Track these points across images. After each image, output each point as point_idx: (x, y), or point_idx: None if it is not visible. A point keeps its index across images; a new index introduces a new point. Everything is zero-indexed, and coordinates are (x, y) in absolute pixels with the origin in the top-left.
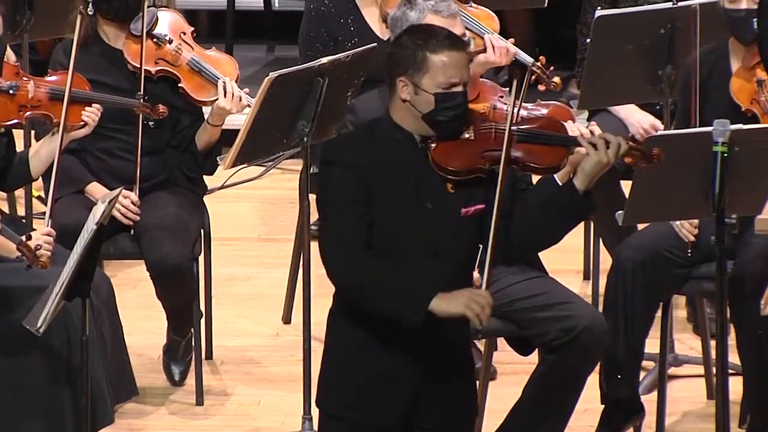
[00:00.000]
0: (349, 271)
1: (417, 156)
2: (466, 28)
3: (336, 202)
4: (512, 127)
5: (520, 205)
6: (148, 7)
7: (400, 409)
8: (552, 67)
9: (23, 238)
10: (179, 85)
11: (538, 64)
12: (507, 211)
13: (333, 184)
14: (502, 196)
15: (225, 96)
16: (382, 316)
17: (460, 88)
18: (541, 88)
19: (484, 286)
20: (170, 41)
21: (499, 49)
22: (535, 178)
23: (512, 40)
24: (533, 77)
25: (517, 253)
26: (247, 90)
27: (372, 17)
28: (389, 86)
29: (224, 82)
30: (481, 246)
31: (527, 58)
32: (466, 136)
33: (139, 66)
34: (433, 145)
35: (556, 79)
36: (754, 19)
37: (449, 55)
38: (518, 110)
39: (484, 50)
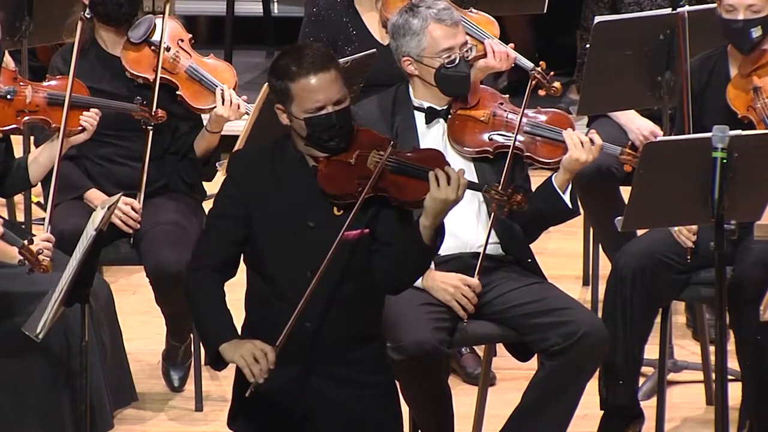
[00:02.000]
0: (187, 287)
1: (308, 175)
2: (467, 34)
3: (213, 214)
4: (388, 158)
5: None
6: (147, 13)
7: (298, 424)
8: (552, 73)
9: (25, 242)
10: (177, 92)
11: (538, 69)
12: (388, 240)
13: (218, 196)
14: (385, 228)
15: (223, 104)
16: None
17: (329, 109)
18: (542, 93)
19: (279, 341)
20: (168, 48)
21: (499, 54)
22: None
23: (512, 45)
24: (533, 82)
25: (387, 283)
26: (245, 97)
27: (372, 22)
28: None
29: (222, 90)
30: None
31: (527, 63)
32: (349, 160)
33: (137, 73)
34: (321, 166)
35: (557, 84)
36: (753, 29)
37: (309, 80)
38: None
39: (485, 55)
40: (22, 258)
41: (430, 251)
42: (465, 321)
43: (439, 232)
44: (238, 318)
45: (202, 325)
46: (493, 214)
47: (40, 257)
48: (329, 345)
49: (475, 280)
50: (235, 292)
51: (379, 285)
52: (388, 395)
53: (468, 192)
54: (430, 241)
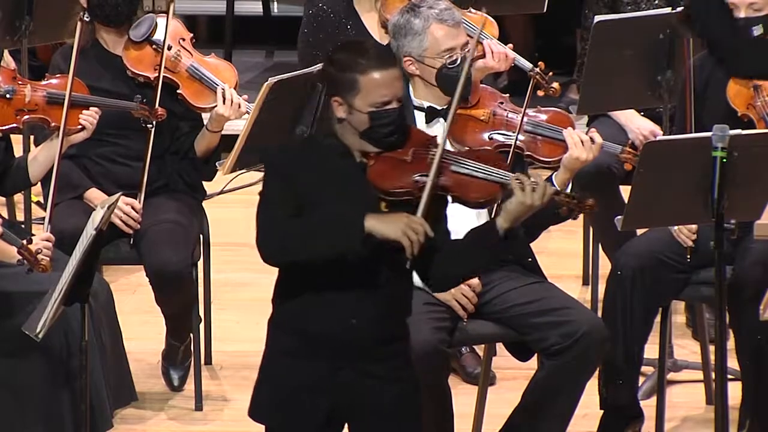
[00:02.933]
0: (282, 238)
1: (355, 170)
2: (467, 35)
3: (269, 207)
4: (449, 157)
5: (447, 235)
6: (147, 12)
7: (323, 418)
8: (551, 73)
9: (24, 241)
10: (178, 91)
11: (537, 69)
12: (438, 241)
13: (267, 190)
14: (435, 228)
15: (224, 103)
16: (323, 256)
17: (393, 105)
18: (540, 93)
19: (420, 212)
20: (169, 47)
21: (498, 54)
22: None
23: (511, 45)
24: (534, 82)
25: (439, 281)
26: (246, 97)
27: (371, 22)
28: (327, 103)
29: (223, 89)
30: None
31: (526, 64)
32: (404, 157)
33: (138, 72)
34: (371, 162)
35: (555, 85)
36: (754, 28)
37: (378, 74)
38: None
39: (484, 56)
40: (20, 258)
41: (502, 254)
42: (465, 320)
43: (513, 235)
44: (238, 317)
45: (329, 230)
46: (494, 212)
47: (39, 257)
48: (364, 341)
49: (474, 280)
50: (238, 292)
51: (429, 281)
52: (414, 392)
53: None
54: (504, 241)
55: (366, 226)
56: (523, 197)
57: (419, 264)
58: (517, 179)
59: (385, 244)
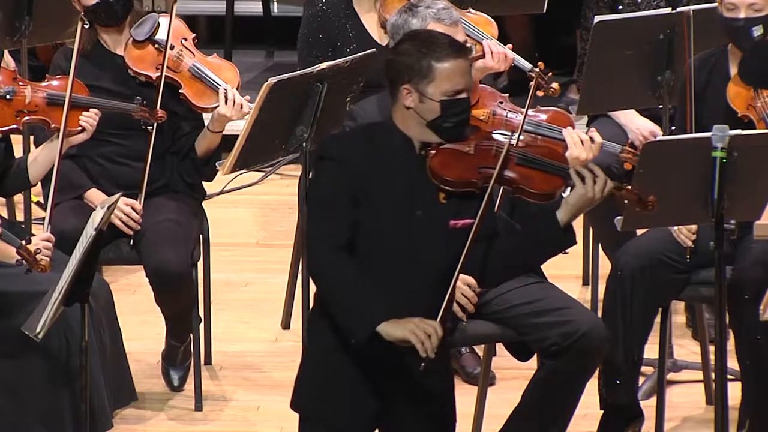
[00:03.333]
0: (320, 271)
1: (413, 162)
2: (466, 35)
3: (323, 196)
4: (513, 150)
5: (508, 228)
6: (149, 12)
7: (369, 413)
8: (550, 73)
9: (23, 242)
10: (180, 91)
11: (537, 69)
12: (492, 232)
13: (322, 179)
14: (488, 217)
15: (226, 103)
16: (335, 321)
17: (464, 95)
18: (540, 93)
19: (439, 317)
20: (171, 47)
21: (498, 54)
22: None
23: (510, 45)
24: (531, 83)
25: (493, 277)
26: (248, 97)
27: (371, 22)
28: (391, 93)
29: (225, 90)
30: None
31: (525, 64)
32: (467, 149)
33: (140, 71)
34: (433, 152)
35: (555, 85)
36: (754, 28)
37: (454, 62)
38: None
39: (483, 56)
40: (19, 258)
41: (562, 246)
42: (464, 321)
43: (569, 229)
44: (238, 317)
45: (350, 306)
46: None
47: (38, 257)
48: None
49: (472, 279)
50: (238, 292)
51: (481, 276)
52: (452, 394)
53: None
54: (565, 234)
55: (378, 329)
56: (584, 190)
57: (473, 260)
58: (576, 172)
59: (396, 345)
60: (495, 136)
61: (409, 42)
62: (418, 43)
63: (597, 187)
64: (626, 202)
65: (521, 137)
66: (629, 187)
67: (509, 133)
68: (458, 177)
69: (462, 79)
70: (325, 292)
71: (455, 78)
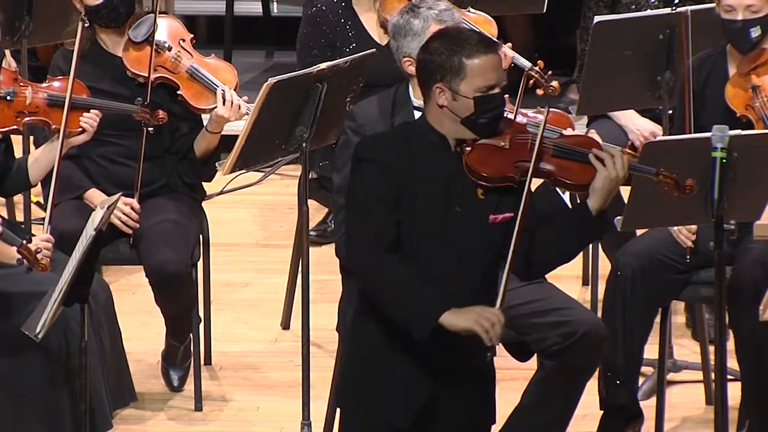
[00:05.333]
0: (370, 272)
1: (450, 159)
2: None
3: (365, 200)
4: (548, 142)
5: (544, 220)
6: (147, 13)
7: (416, 410)
8: (550, 72)
9: (23, 241)
10: (178, 92)
11: (536, 68)
12: (533, 225)
13: (363, 181)
14: (529, 209)
15: (224, 104)
16: (393, 322)
17: (497, 90)
18: (539, 92)
19: (498, 304)
20: (169, 48)
21: None
22: None
23: (509, 44)
24: (531, 81)
25: (534, 269)
26: (246, 98)
27: (370, 22)
28: (424, 93)
29: (223, 91)
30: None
31: (525, 63)
32: (502, 144)
33: (138, 72)
34: (468, 149)
35: (554, 84)
36: (752, 29)
37: (485, 58)
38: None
39: None
40: (20, 257)
41: (598, 233)
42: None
43: (604, 214)
44: (237, 317)
45: (408, 302)
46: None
47: (39, 256)
48: (459, 339)
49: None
50: (237, 292)
51: (521, 270)
52: (493, 391)
53: None
54: (598, 218)
55: (441, 320)
56: (606, 171)
57: (521, 254)
58: (594, 155)
59: (459, 336)
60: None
61: (438, 40)
62: (448, 41)
63: (618, 166)
64: (665, 188)
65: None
66: (663, 169)
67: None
68: (495, 172)
69: (494, 74)
70: (378, 293)
71: (487, 74)
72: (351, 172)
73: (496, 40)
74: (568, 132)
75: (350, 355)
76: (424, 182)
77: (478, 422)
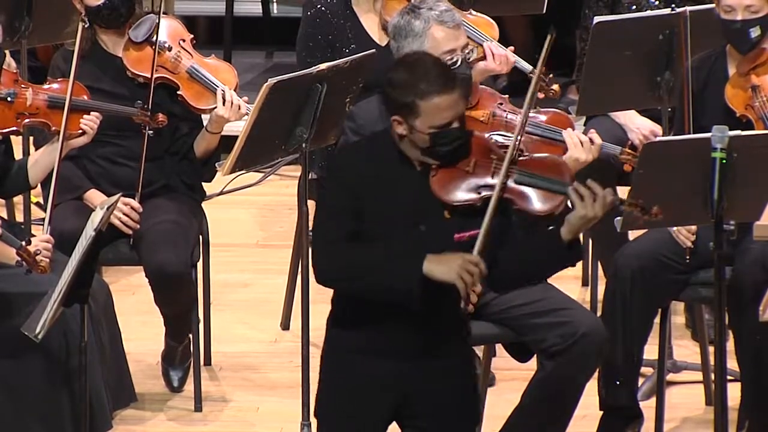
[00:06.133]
0: (333, 262)
1: (417, 177)
2: (467, 37)
3: (329, 206)
4: (513, 168)
5: (514, 237)
6: (147, 13)
7: (389, 416)
8: (551, 75)
9: (23, 243)
10: (178, 93)
11: (537, 71)
12: (499, 241)
13: (329, 190)
14: (499, 226)
15: (224, 104)
16: (379, 296)
17: (455, 125)
18: (540, 95)
19: (476, 249)
20: (169, 48)
21: (499, 57)
22: None
23: (512, 48)
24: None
25: (501, 283)
26: (246, 98)
27: (369, 23)
28: (387, 117)
29: (223, 91)
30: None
31: (526, 66)
32: (466, 168)
33: (138, 72)
34: (433, 173)
35: (555, 87)
36: (751, 30)
37: (439, 99)
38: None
39: (484, 58)
40: (19, 259)
41: (569, 261)
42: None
43: (576, 243)
44: (237, 318)
45: (384, 268)
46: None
47: (38, 258)
48: (427, 338)
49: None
50: (237, 293)
51: (489, 283)
52: (474, 388)
53: None
54: (568, 250)
55: (424, 269)
56: (584, 210)
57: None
58: (575, 191)
59: (441, 287)
60: (494, 137)
61: (400, 72)
62: (407, 75)
63: (597, 206)
64: (635, 214)
65: (521, 138)
66: (632, 200)
67: (509, 135)
68: (457, 199)
69: (449, 113)
70: (354, 280)
71: (441, 113)
72: (324, 182)
73: (455, 77)
74: (541, 155)
75: (323, 363)
76: (390, 200)
77: (459, 418)
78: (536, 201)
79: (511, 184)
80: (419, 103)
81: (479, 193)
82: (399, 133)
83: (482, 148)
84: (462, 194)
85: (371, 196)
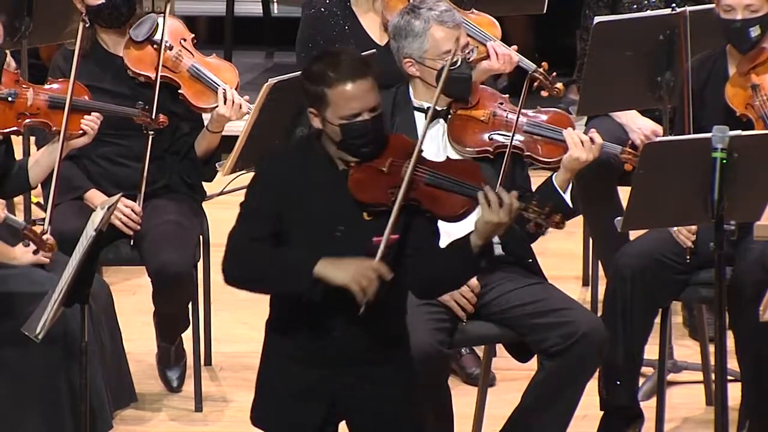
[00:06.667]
0: (236, 264)
1: (338, 178)
2: (469, 36)
3: (248, 209)
4: (423, 169)
5: (429, 241)
6: (147, 13)
7: (322, 424)
8: (554, 73)
9: (27, 225)
10: (179, 92)
11: (540, 70)
12: (415, 245)
13: (251, 192)
14: (416, 232)
15: (225, 103)
16: (276, 291)
17: (365, 116)
18: (544, 94)
19: (378, 256)
20: (171, 47)
21: (503, 56)
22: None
23: (515, 47)
24: (535, 84)
25: (419, 287)
26: (247, 97)
27: (369, 23)
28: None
29: (224, 90)
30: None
31: (530, 65)
32: (382, 168)
33: (139, 71)
34: (352, 171)
35: (559, 86)
36: (751, 29)
37: (347, 87)
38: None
39: (487, 57)
40: (26, 239)
41: (477, 268)
42: (464, 321)
43: (486, 250)
44: (237, 318)
45: (282, 269)
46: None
47: (44, 237)
48: (358, 344)
49: (473, 281)
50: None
51: (411, 289)
52: (414, 394)
53: None
54: (479, 256)
55: (315, 271)
56: (489, 215)
57: (403, 271)
58: (484, 195)
59: (337, 290)
60: (495, 137)
61: (311, 65)
62: (322, 66)
63: (503, 212)
64: (532, 223)
65: (521, 138)
66: (534, 203)
67: (509, 134)
68: (370, 199)
69: (356, 103)
70: (257, 283)
71: (349, 103)
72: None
73: (368, 64)
74: (457, 158)
75: (258, 371)
76: (311, 201)
77: (395, 426)
78: (444, 203)
79: (423, 185)
80: (327, 92)
81: (390, 195)
82: (315, 126)
83: (401, 148)
84: (374, 194)
85: (293, 198)
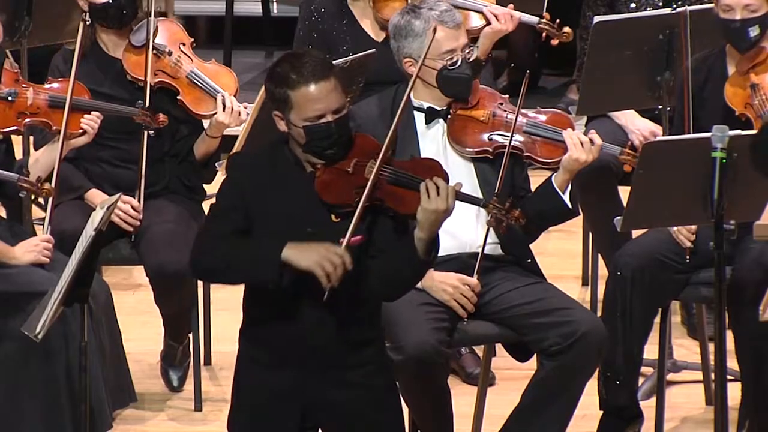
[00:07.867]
0: (205, 254)
1: (306, 180)
2: (462, 8)
3: (216, 207)
4: (387, 169)
5: (393, 242)
6: (147, 16)
7: (296, 428)
8: (558, 20)
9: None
10: (178, 98)
11: (544, 21)
12: (384, 246)
13: (220, 193)
14: (382, 233)
15: (224, 110)
16: (245, 282)
17: (329, 118)
18: (554, 42)
19: (344, 242)
20: (170, 53)
21: (503, 15)
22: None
23: (511, 5)
24: (543, 35)
25: (371, 290)
26: (245, 104)
27: (366, 21)
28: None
29: (223, 97)
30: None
31: (532, 19)
32: (347, 169)
33: (138, 76)
34: (319, 173)
35: (567, 30)
36: (750, 29)
37: (309, 89)
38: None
39: (489, 22)
40: (22, 188)
41: (425, 264)
42: (464, 321)
43: (434, 244)
44: (237, 318)
45: (249, 253)
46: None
47: (41, 184)
48: (329, 349)
49: (474, 280)
50: (237, 293)
51: (375, 291)
52: (389, 396)
53: None
54: (425, 254)
55: (283, 256)
56: (426, 203)
57: (360, 274)
58: (425, 186)
59: (303, 275)
60: (494, 137)
61: (275, 67)
62: (285, 68)
63: (440, 199)
64: (491, 219)
65: (521, 138)
66: (495, 199)
67: (509, 134)
68: (337, 200)
69: (319, 105)
70: (224, 273)
71: (312, 104)
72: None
73: (330, 66)
74: (422, 157)
75: (234, 376)
76: (279, 204)
77: (370, 422)
78: (406, 201)
79: (386, 184)
80: (290, 94)
81: (356, 195)
82: (281, 129)
83: (366, 149)
84: (340, 196)
85: (261, 199)
